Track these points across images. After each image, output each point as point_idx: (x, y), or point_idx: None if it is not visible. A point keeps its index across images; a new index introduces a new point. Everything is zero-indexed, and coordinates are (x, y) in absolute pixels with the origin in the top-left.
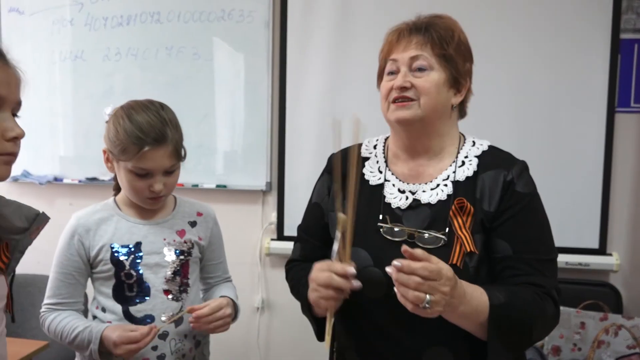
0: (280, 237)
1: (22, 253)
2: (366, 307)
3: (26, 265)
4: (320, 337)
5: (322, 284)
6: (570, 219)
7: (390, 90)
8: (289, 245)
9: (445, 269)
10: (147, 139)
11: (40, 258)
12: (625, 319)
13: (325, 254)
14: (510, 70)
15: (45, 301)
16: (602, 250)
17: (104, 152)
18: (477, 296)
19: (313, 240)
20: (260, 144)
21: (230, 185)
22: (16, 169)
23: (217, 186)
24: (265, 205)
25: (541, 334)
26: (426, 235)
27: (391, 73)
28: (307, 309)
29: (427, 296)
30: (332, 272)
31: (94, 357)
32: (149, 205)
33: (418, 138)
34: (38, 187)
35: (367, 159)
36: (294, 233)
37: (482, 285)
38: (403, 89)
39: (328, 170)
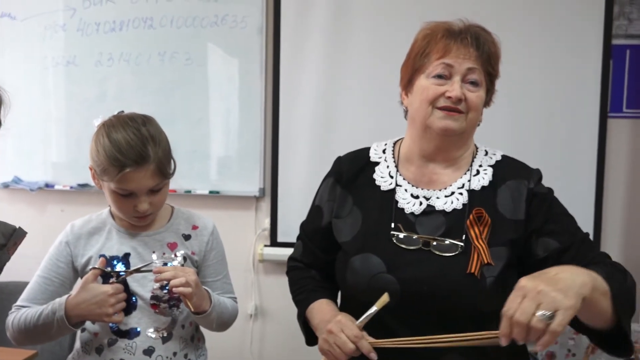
0: (274, 243)
1: (1, 270)
2: (378, 313)
3: (18, 273)
4: (309, 342)
5: (338, 345)
6: None
7: (439, 97)
8: (282, 252)
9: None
10: (126, 160)
11: (32, 265)
12: None
13: (322, 260)
14: (504, 75)
15: (16, 303)
16: None
17: (90, 168)
18: (595, 276)
19: (311, 243)
20: (253, 150)
21: (223, 191)
22: (7, 175)
23: (210, 192)
24: (259, 212)
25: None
26: (447, 242)
27: (440, 77)
28: (302, 319)
29: (541, 312)
30: (354, 345)
31: (61, 325)
32: (136, 222)
33: (447, 148)
34: (29, 193)
35: (377, 163)
36: (288, 239)
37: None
38: (458, 101)
39: (333, 174)
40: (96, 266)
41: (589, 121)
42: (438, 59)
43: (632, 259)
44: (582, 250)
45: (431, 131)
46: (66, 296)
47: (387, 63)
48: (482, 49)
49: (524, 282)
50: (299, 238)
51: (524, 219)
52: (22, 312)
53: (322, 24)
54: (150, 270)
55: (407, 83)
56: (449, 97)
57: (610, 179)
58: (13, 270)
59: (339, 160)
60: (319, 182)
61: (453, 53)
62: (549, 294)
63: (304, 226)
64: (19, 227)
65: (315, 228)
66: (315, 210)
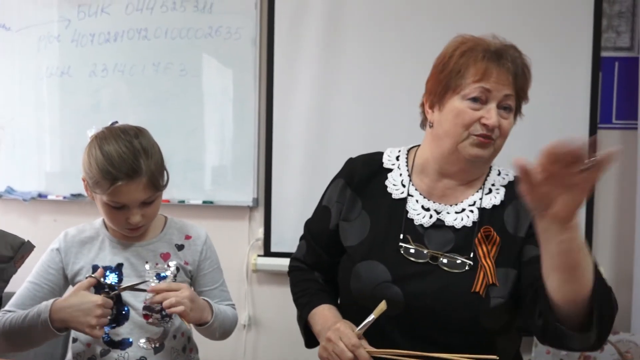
0: (267, 253)
1: (7, 282)
2: (380, 323)
3: (11, 283)
4: (309, 345)
5: (337, 353)
6: None
7: (475, 122)
8: (276, 262)
9: None
10: (118, 174)
11: (24, 274)
12: (610, 334)
13: (326, 262)
14: None
15: (5, 308)
16: None
17: (83, 180)
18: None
19: (316, 245)
20: (247, 159)
21: (217, 201)
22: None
23: (204, 202)
24: (252, 221)
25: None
26: (459, 260)
27: (476, 100)
28: (303, 322)
29: None
30: (352, 354)
31: (45, 328)
32: (129, 234)
33: (470, 171)
34: (22, 203)
35: (389, 170)
36: (281, 249)
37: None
38: (493, 129)
39: (344, 175)
40: (93, 275)
41: (579, 132)
42: (476, 81)
43: (623, 270)
44: None
45: (459, 155)
46: (54, 299)
47: (381, 73)
48: (517, 74)
49: None
50: (302, 238)
51: (524, 237)
52: (8, 316)
53: (315, 34)
54: (144, 290)
55: (437, 99)
56: (485, 125)
57: (601, 189)
58: None
59: (350, 162)
60: (313, 191)
61: (493, 78)
62: None
63: (309, 225)
64: (28, 241)
65: (321, 229)
66: (322, 210)
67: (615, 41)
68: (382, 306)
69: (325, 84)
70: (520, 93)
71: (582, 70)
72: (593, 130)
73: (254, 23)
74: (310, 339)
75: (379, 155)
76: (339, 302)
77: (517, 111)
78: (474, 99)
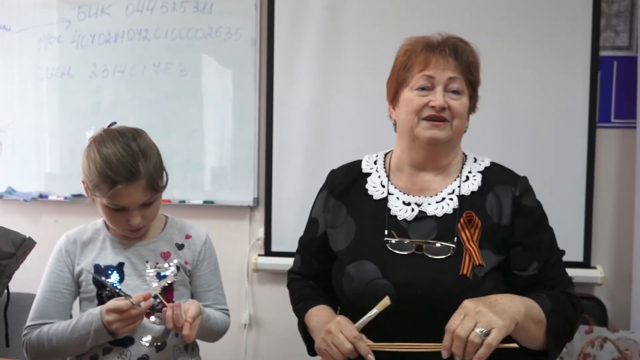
0: (268, 252)
1: (9, 278)
2: (375, 318)
3: (10, 283)
4: (311, 352)
5: (336, 344)
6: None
7: (423, 107)
8: (276, 261)
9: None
10: (117, 177)
11: (24, 276)
12: (610, 331)
13: (319, 270)
14: (494, 86)
15: (29, 323)
16: (586, 264)
17: (83, 182)
18: (532, 306)
19: (308, 255)
20: (247, 159)
21: (218, 201)
22: (0, 186)
23: (205, 202)
24: (253, 221)
25: (577, 327)
26: (438, 244)
27: (423, 89)
28: (303, 328)
29: (479, 329)
30: (351, 345)
31: (99, 336)
32: (130, 235)
33: (436, 157)
34: (22, 204)
35: (368, 174)
36: (282, 249)
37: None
38: (442, 109)
39: (327, 186)
40: (134, 302)
41: (578, 131)
42: (419, 71)
43: (622, 269)
44: (545, 274)
45: (419, 141)
46: (99, 307)
47: (380, 74)
48: (460, 59)
49: (467, 303)
50: (297, 252)
51: (510, 226)
52: (46, 329)
53: (315, 34)
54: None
55: (393, 97)
56: (433, 107)
57: (600, 188)
58: None
59: (332, 173)
60: (312, 191)
61: (433, 65)
62: (486, 315)
63: (301, 239)
64: (29, 237)
65: (311, 239)
66: (311, 222)
67: (613, 40)
68: (386, 301)
69: (325, 84)
70: (467, 76)
71: (580, 69)
72: (592, 129)
73: (253, 23)
74: (312, 346)
75: (358, 162)
76: (338, 307)
77: (473, 95)
78: (422, 88)
